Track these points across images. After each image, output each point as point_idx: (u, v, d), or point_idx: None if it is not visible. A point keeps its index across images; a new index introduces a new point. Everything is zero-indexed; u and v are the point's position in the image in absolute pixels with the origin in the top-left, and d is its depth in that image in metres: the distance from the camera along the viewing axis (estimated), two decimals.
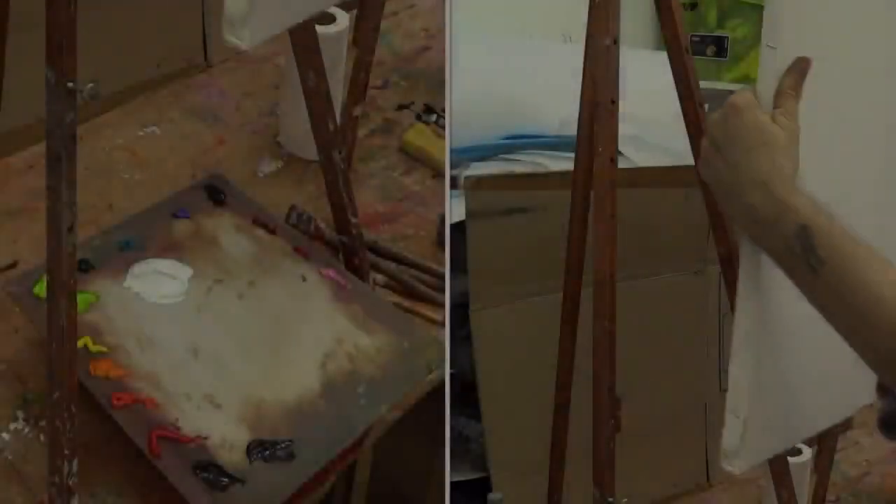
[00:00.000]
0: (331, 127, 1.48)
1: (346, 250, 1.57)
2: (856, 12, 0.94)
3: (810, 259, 0.77)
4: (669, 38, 1.34)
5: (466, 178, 1.71)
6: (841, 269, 0.76)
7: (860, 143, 0.98)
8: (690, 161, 1.35)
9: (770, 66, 0.84)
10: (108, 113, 1.82)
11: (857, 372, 0.86)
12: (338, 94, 1.69)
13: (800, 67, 0.83)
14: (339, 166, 1.51)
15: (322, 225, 1.62)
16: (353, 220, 1.55)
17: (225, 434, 1.28)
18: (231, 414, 1.30)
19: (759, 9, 1.97)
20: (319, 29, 1.52)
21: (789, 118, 0.81)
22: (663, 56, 1.38)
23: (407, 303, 1.58)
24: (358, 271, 1.55)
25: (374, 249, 1.62)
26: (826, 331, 0.83)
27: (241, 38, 1.01)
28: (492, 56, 2.08)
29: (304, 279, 1.47)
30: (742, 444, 0.96)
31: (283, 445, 1.28)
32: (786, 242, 0.78)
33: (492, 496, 1.45)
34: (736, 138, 0.80)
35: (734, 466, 0.97)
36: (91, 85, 1.05)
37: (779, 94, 0.82)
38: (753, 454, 0.99)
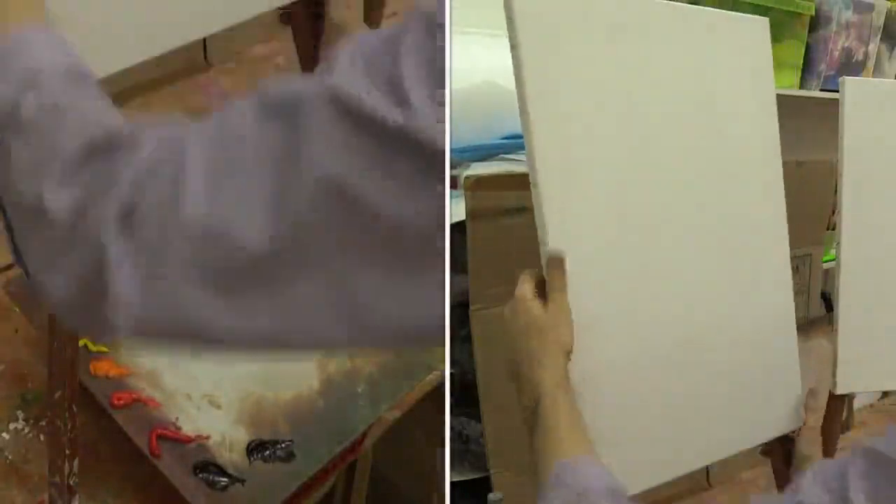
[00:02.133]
0: None
1: None
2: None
3: (529, 420, 1.00)
4: None
5: (466, 178, 1.71)
6: (538, 435, 0.99)
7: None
8: None
9: (545, 258, 1.01)
10: None
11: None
12: None
13: (555, 263, 1.01)
14: None
15: None
16: None
17: (225, 434, 1.28)
18: (231, 414, 1.30)
19: (761, 9, 1.97)
20: None
21: (556, 305, 1.00)
22: None
23: None
24: None
25: None
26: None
27: None
28: (492, 55, 2.07)
29: None
30: None
31: (283, 445, 1.28)
32: (527, 406, 1.02)
33: (492, 496, 1.44)
34: (512, 321, 1.01)
35: None
36: None
37: (548, 285, 1.01)
38: None
